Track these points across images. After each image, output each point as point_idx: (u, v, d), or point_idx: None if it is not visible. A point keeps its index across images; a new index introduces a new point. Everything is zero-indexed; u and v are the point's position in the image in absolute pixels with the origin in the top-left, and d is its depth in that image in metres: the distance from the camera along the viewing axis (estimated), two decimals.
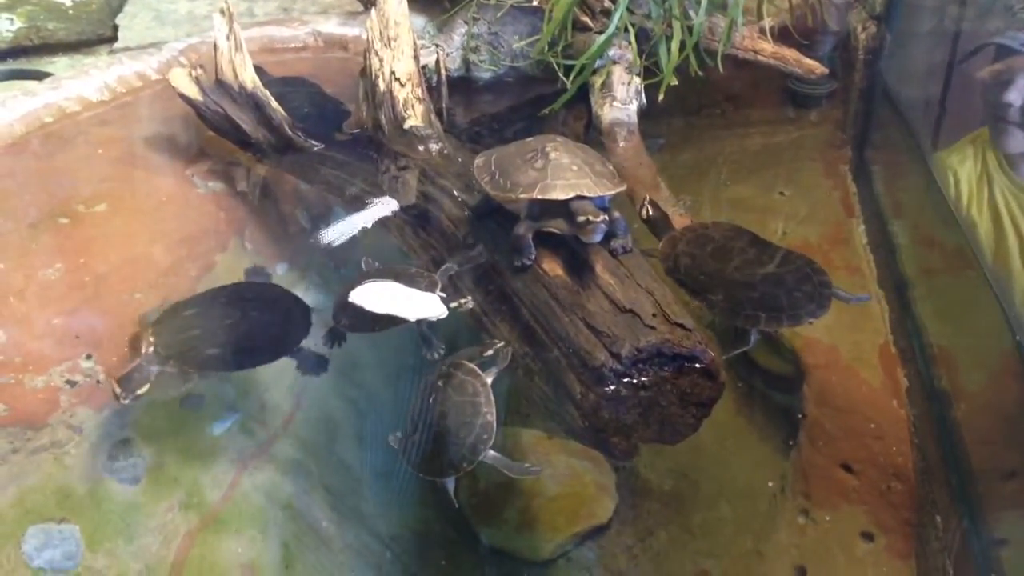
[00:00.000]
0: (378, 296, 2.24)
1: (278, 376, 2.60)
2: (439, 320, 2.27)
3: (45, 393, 2.19)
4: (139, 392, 2.12)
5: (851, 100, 4.02)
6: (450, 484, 2.13)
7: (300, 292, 2.83)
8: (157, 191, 2.95)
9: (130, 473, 2.14)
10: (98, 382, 2.27)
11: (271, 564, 2.22)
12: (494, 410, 2.08)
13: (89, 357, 2.30)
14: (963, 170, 3.16)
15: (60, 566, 1.97)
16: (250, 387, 2.53)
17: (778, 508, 2.32)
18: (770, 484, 2.36)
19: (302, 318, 2.45)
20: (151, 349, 2.18)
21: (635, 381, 2.08)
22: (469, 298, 2.33)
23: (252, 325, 2.39)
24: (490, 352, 2.20)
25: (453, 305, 2.29)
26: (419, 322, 2.28)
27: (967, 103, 3.44)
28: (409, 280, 2.35)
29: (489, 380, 2.13)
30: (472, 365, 2.15)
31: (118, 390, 2.09)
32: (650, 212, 2.79)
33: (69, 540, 1.97)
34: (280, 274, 2.91)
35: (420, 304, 2.23)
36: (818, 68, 3.72)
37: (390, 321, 2.24)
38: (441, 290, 2.33)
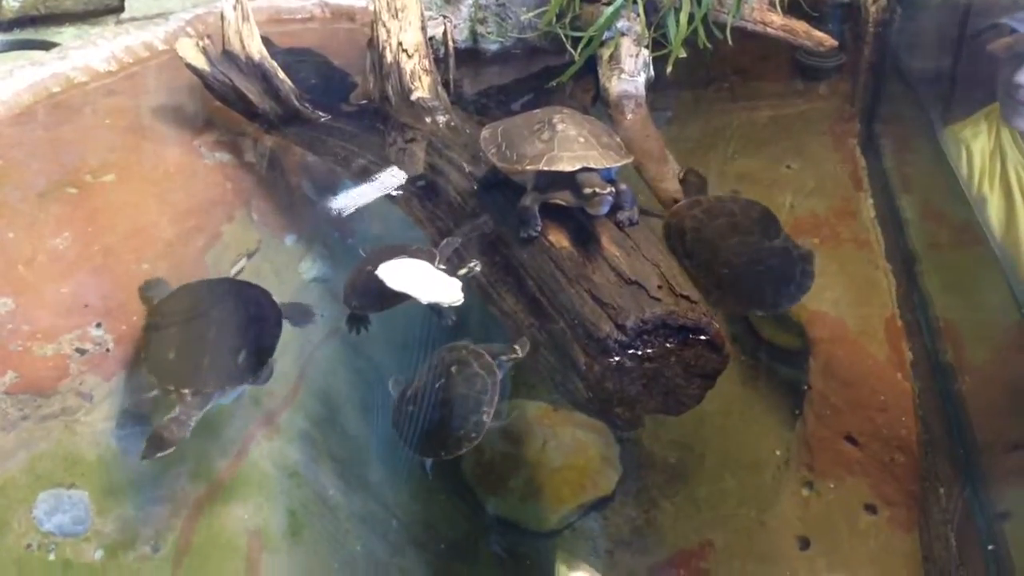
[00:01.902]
0: (395, 279, 2.23)
1: (284, 346, 2.60)
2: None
3: (55, 361, 2.20)
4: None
5: (860, 73, 3.99)
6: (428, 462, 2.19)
7: (307, 263, 2.86)
8: (164, 161, 2.94)
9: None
10: (107, 350, 2.28)
11: (278, 531, 2.24)
12: (492, 411, 2.10)
13: (99, 325, 2.31)
14: (976, 144, 3.15)
15: (70, 531, 1.99)
16: None
17: (782, 480, 2.34)
18: (777, 454, 2.38)
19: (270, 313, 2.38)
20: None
21: (640, 352, 2.08)
22: (476, 262, 2.33)
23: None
24: (515, 355, 2.20)
25: (462, 272, 2.29)
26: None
27: (978, 77, 3.41)
28: (400, 253, 2.36)
29: (500, 375, 2.14)
30: (490, 360, 2.16)
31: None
32: (688, 178, 2.80)
33: (79, 505, 1.99)
34: (288, 245, 2.92)
35: (436, 288, 2.22)
36: (827, 40, 3.69)
37: (398, 298, 2.24)
38: (441, 263, 2.33)
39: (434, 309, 2.32)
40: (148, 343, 2.25)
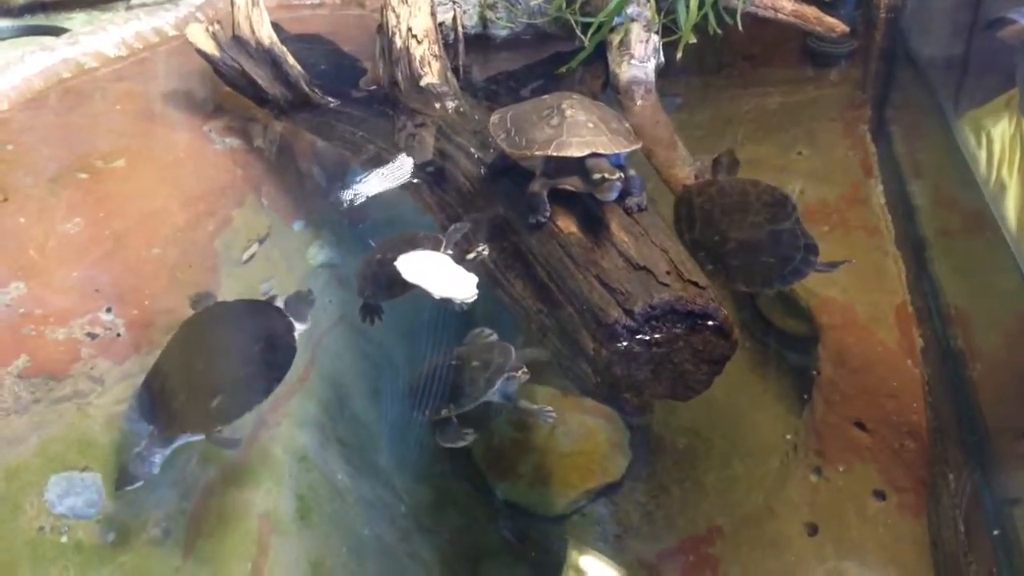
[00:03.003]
0: (410, 272, 2.23)
1: None
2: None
3: (67, 345, 2.22)
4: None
5: (871, 59, 3.97)
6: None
7: (315, 249, 2.86)
8: (174, 147, 2.95)
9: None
10: (118, 335, 2.29)
11: (287, 515, 2.25)
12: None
13: (109, 310, 2.32)
14: (996, 130, 3.12)
15: (82, 513, 2.00)
16: None
17: (791, 466, 2.33)
18: (788, 438, 2.37)
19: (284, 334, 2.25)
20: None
21: (648, 338, 2.08)
22: (484, 247, 2.33)
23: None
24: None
25: (470, 256, 2.30)
26: None
27: (990, 64, 3.40)
28: (413, 243, 2.36)
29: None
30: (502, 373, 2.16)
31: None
32: (721, 159, 2.83)
33: (91, 488, 2.00)
34: (297, 230, 2.93)
35: (450, 284, 2.22)
36: (839, 26, 3.68)
37: (410, 286, 2.25)
38: (448, 248, 2.33)
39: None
40: (156, 361, 2.17)
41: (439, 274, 2.23)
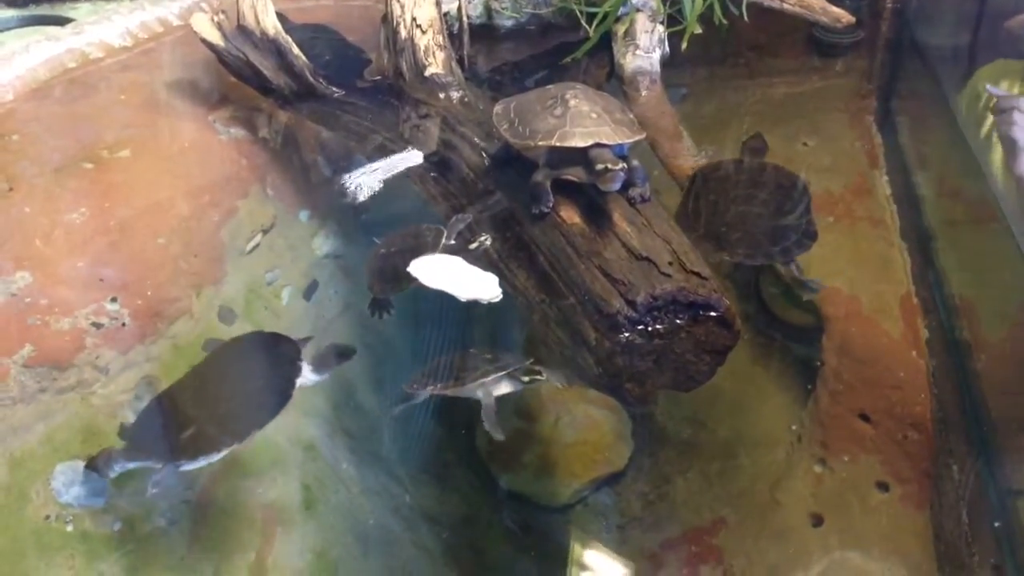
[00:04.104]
0: (431, 278, 2.22)
1: (298, 322, 2.63)
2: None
3: (71, 334, 2.22)
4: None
5: (877, 50, 3.95)
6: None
7: (320, 239, 2.87)
8: (179, 137, 2.96)
9: None
10: (123, 324, 2.30)
11: (292, 504, 2.26)
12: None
13: (114, 300, 2.33)
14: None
15: (87, 503, 2.01)
16: None
17: (795, 457, 2.33)
18: (793, 429, 2.37)
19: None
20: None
21: (650, 329, 2.08)
22: (487, 236, 2.33)
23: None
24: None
25: (473, 246, 2.30)
26: None
27: (997, 54, 3.38)
28: (415, 235, 2.36)
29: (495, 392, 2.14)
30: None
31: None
32: (750, 144, 2.87)
33: (97, 478, 2.00)
34: (302, 220, 2.93)
35: (474, 285, 2.21)
36: (844, 17, 3.66)
37: (414, 279, 2.25)
38: (450, 239, 2.34)
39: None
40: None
41: (459, 277, 2.23)
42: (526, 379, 2.15)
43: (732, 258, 2.56)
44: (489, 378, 2.11)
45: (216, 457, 1.91)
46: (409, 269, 2.24)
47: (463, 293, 2.19)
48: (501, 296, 2.20)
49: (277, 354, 2.13)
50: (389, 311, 2.48)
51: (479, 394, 2.13)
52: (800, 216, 2.52)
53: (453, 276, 2.23)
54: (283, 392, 2.02)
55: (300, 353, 2.11)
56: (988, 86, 2.88)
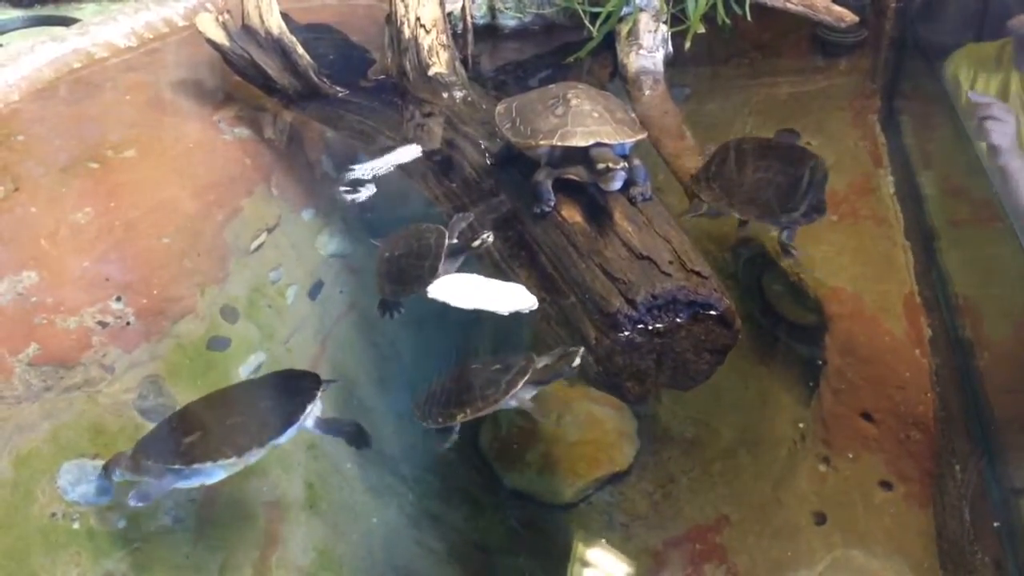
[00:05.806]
0: (463, 300, 2.21)
1: (303, 321, 2.64)
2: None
3: (77, 333, 2.23)
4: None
5: (881, 49, 3.95)
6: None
7: (325, 238, 2.87)
8: (184, 137, 2.96)
9: (159, 413, 2.18)
10: (128, 323, 2.31)
11: (295, 503, 2.26)
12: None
13: (119, 299, 2.34)
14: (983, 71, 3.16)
15: (94, 501, 2.02)
16: (275, 331, 2.56)
17: (798, 455, 2.33)
18: (800, 427, 2.37)
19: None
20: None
21: (650, 327, 2.09)
22: (489, 234, 2.33)
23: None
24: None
25: (475, 244, 2.30)
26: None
27: None
28: (417, 236, 2.37)
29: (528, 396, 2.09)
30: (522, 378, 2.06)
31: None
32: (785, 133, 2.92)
33: (103, 476, 2.01)
34: (306, 219, 2.94)
35: (510, 299, 2.20)
36: (848, 16, 3.66)
37: (423, 282, 2.26)
38: (452, 237, 2.34)
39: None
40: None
41: (490, 293, 2.22)
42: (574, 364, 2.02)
43: (741, 215, 2.60)
44: (519, 386, 2.02)
45: (211, 480, 1.92)
46: (431, 294, 2.23)
47: (502, 308, 2.18)
48: (537, 304, 2.18)
49: (291, 389, 2.09)
50: (399, 311, 2.48)
51: (512, 403, 2.06)
52: (814, 192, 2.53)
53: (484, 293, 2.22)
54: (277, 428, 1.97)
55: (315, 396, 2.06)
56: (970, 93, 2.91)
